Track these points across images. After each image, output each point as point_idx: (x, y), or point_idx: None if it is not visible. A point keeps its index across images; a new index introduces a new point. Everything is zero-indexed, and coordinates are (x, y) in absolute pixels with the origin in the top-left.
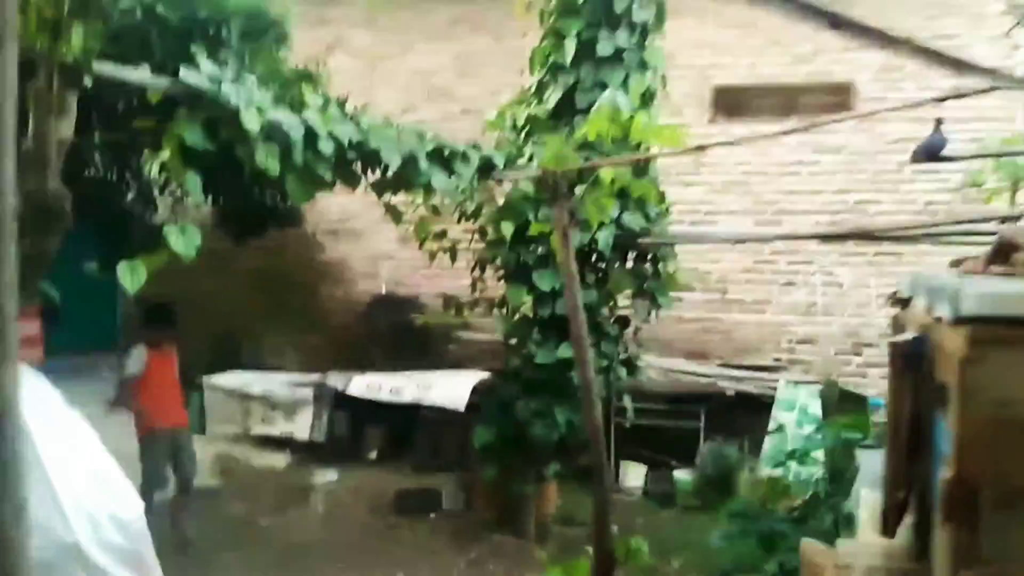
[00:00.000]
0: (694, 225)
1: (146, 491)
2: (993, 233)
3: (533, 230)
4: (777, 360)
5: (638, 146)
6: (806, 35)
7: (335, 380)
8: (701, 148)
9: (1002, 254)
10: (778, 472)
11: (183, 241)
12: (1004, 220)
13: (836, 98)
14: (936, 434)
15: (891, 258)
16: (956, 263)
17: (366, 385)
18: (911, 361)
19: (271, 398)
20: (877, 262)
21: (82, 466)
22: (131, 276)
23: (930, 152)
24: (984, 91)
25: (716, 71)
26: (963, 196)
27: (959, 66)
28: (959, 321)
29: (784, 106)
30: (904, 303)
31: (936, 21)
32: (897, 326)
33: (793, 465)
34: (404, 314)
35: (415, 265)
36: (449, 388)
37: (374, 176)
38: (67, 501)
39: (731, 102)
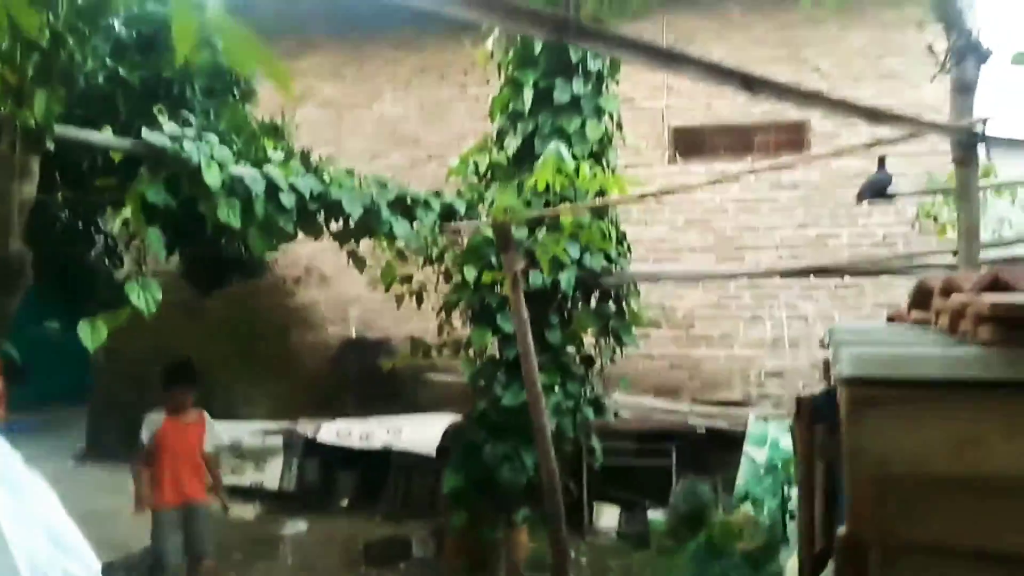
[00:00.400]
0: (658, 263)
1: (154, 568)
2: (944, 266)
3: (486, 278)
4: (746, 395)
5: (601, 191)
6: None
7: (305, 427)
8: (643, 196)
9: (920, 301)
10: (749, 510)
11: (144, 297)
12: (955, 253)
13: (791, 136)
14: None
15: (853, 290)
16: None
17: (336, 432)
18: (818, 415)
19: (240, 447)
20: (839, 295)
21: (37, 525)
22: (91, 334)
23: (875, 190)
24: (905, 138)
25: (674, 112)
26: (919, 228)
27: (873, 115)
28: (843, 381)
29: (741, 145)
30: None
31: (882, 60)
32: (825, 373)
33: (767, 500)
34: (374, 358)
35: (384, 308)
36: (419, 433)
37: (337, 225)
38: (21, 559)
39: (689, 142)
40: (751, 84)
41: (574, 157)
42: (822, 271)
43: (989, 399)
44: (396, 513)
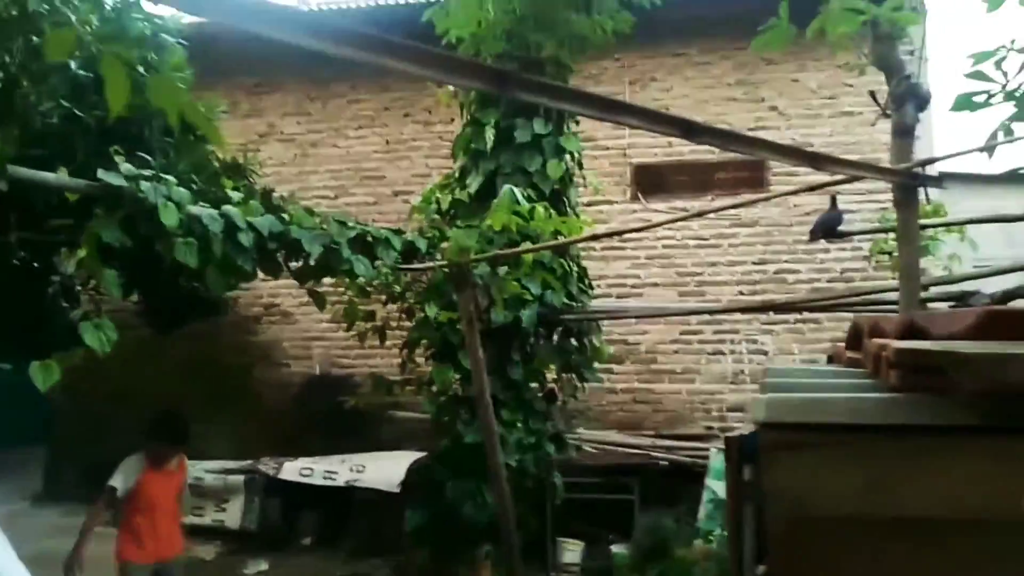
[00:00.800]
0: (620, 298)
1: None
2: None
3: (442, 317)
4: (708, 429)
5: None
6: (719, 115)
7: (267, 466)
8: (598, 236)
9: (855, 341)
10: (709, 544)
11: (98, 337)
12: None
13: (750, 173)
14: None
15: (811, 325)
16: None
17: (299, 470)
18: (745, 456)
19: (200, 486)
20: (798, 329)
21: None
22: (43, 375)
23: (827, 228)
24: (847, 181)
25: (635, 151)
26: (875, 264)
27: (814, 160)
28: (759, 425)
29: (701, 182)
30: None
31: (837, 99)
32: None
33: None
34: (338, 395)
35: (347, 345)
36: (383, 470)
37: (296, 264)
38: None
39: (650, 180)
40: (692, 131)
41: (530, 199)
42: (781, 307)
43: (895, 442)
44: (360, 551)
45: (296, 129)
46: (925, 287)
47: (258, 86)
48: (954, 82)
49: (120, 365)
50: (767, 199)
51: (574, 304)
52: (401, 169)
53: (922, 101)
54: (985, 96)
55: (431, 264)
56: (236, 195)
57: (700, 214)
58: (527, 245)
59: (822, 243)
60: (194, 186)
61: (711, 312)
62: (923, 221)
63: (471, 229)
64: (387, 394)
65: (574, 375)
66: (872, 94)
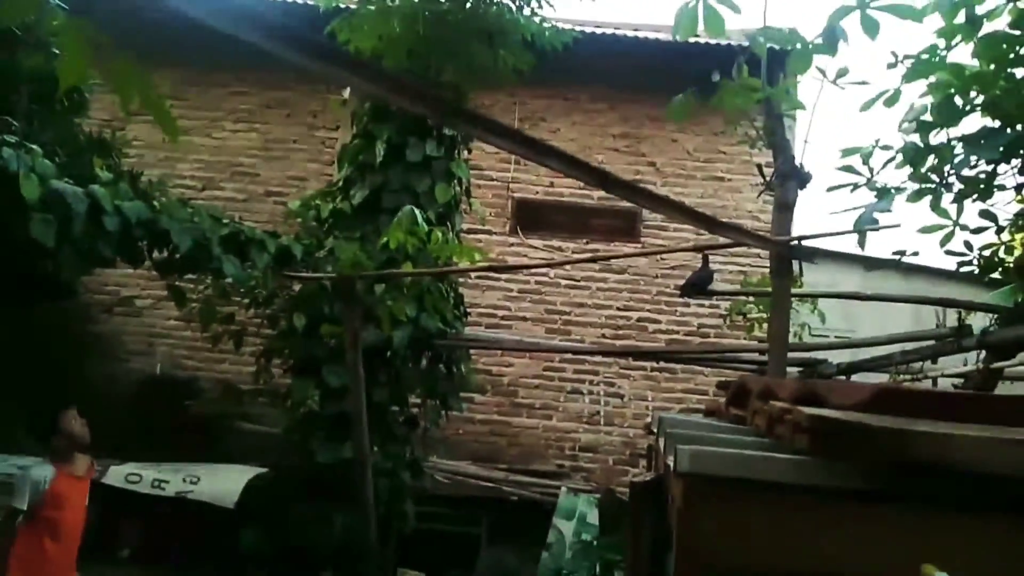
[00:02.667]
0: (490, 329)
1: None
2: (750, 361)
3: (324, 331)
4: (560, 467)
5: (438, 256)
6: (601, 163)
7: None
8: (493, 268)
9: (739, 399)
10: None
11: None
12: (762, 352)
13: (624, 222)
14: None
15: (667, 374)
16: (723, 385)
17: (125, 475)
18: (649, 500)
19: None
20: (654, 377)
21: None
22: None
23: (698, 286)
24: (728, 246)
25: (518, 185)
26: (729, 323)
27: (711, 224)
28: (678, 475)
29: (578, 225)
30: (654, 435)
31: (711, 164)
32: (650, 457)
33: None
34: (179, 399)
35: (194, 346)
36: (219, 483)
37: (161, 256)
38: None
39: (530, 216)
40: (608, 182)
41: (428, 221)
42: (642, 354)
43: (806, 501)
44: (186, 568)
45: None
46: None
47: (132, 60)
48: (824, 169)
49: None
50: (648, 254)
51: (448, 330)
52: (277, 169)
53: (803, 180)
54: (852, 186)
55: (321, 275)
56: (105, 175)
57: (593, 259)
58: (409, 266)
59: (682, 297)
60: (57, 159)
61: (583, 353)
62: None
63: (356, 242)
64: (236, 404)
65: (439, 402)
66: (760, 168)
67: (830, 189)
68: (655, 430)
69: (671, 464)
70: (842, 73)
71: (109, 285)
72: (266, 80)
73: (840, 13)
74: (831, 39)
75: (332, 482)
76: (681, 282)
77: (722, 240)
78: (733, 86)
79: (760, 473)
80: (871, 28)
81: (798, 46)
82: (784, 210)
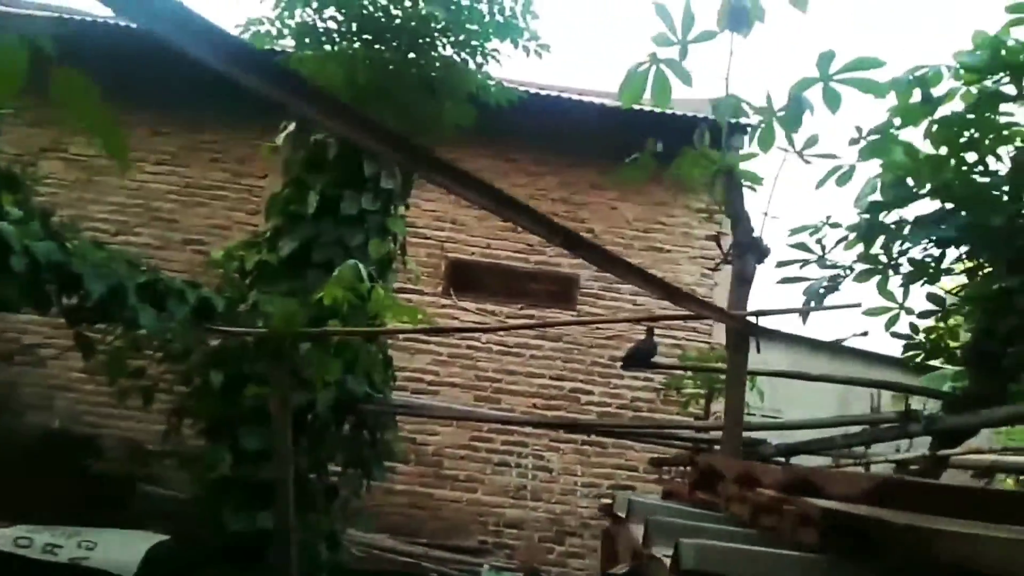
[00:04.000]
0: (417, 394)
1: None
2: (686, 439)
3: (250, 391)
4: (482, 543)
5: (375, 315)
6: None
7: None
8: (431, 330)
9: (706, 482)
10: None
11: None
12: (699, 430)
13: (560, 288)
14: None
15: (598, 448)
16: (656, 462)
17: (14, 539)
18: None
19: None
20: (584, 451)
21: None
22: None
23: (641, 358)
24: (680, 317)
25: (453, 246)
26: (664, 396)
27: (672, 294)
28: (681, 572)
29: (514, 289)
30: (615, 519)
31: (650, 234)
32: (607, 541)
33: None
34: (78, 457)
35: (97, 401)
36: (118, 550)
37: (70, 302)
38: None
39: (464, 277)
40: (574, 243)
41: (370, 277)
42: (573, 427)
43: None
44: None
45: (84, 150)
46: (718, 428)
47: (45, 90)
48: (774, 243)
49: None
50: (587, 323)
51: (375, 394)
52: (198, 216)
53: (762, 254)
54: (802, 263)
55: (250, 330)
56: (15, 212)
57: (530, 325)
58: (338, 323)
59: (616, 368)
60: None
61: (516, 423)
62: (717, 365)
63: (283, 296)
64: (141, 464)
65: (360, 470)
66: (716, 240)
67: (779, 264)
68: (621, 513)
69: (662, 557)
70: (811, 143)
71: (9, 332)
72: (193, 122)
73: (803, 84)
74: (796, 112)
75: (243, 554)
76: (617, 352)
77: (659, 312)
78: (693, 155)
79: (770, 572)
80: (833, 101)
81: (759, 119)
82: (742, 283)
